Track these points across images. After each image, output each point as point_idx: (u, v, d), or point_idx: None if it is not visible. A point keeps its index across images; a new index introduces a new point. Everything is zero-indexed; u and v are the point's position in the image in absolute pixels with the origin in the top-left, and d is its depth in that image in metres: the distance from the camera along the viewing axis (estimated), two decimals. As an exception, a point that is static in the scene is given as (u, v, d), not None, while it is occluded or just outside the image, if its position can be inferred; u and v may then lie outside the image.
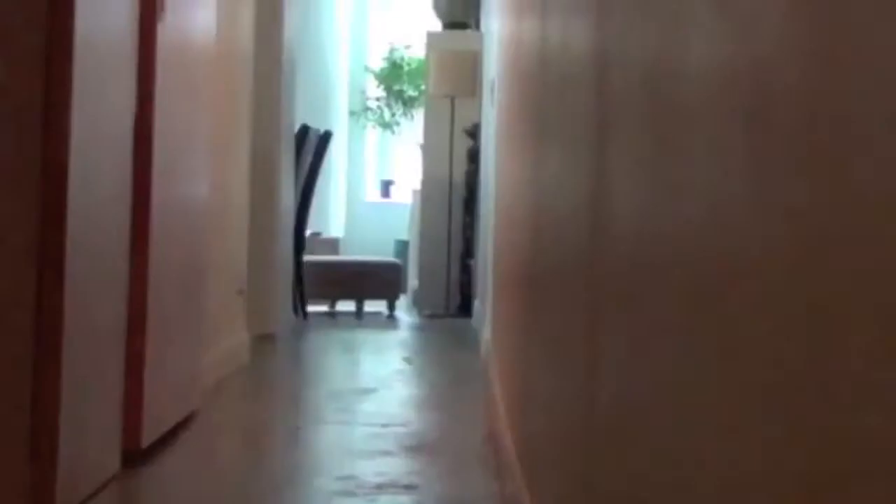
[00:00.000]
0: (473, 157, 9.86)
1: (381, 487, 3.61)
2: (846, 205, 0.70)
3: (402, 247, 13.15)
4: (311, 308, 9.68)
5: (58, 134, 3.06)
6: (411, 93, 14.32)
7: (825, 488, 0.73)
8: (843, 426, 0.70)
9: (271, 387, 6.14)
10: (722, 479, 0.98)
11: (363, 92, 14.63)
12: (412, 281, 11.13)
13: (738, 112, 0.96)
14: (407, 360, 6.80)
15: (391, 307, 10.15)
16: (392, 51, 14.58)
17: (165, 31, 3.95)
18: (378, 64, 14.64)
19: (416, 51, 13.87)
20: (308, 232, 10.03)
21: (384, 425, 4.88)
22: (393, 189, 14.73)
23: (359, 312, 9.95)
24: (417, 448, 4.34)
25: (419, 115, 12.86)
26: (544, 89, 2.89)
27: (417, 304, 10.26)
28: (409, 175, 14.04)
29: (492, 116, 7.25)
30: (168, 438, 4.23)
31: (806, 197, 0.77)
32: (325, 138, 9.54)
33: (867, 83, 0.67)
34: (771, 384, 0.84)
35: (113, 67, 3.44)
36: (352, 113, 14.50)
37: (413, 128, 13.96)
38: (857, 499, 0.67)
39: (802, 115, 0.79)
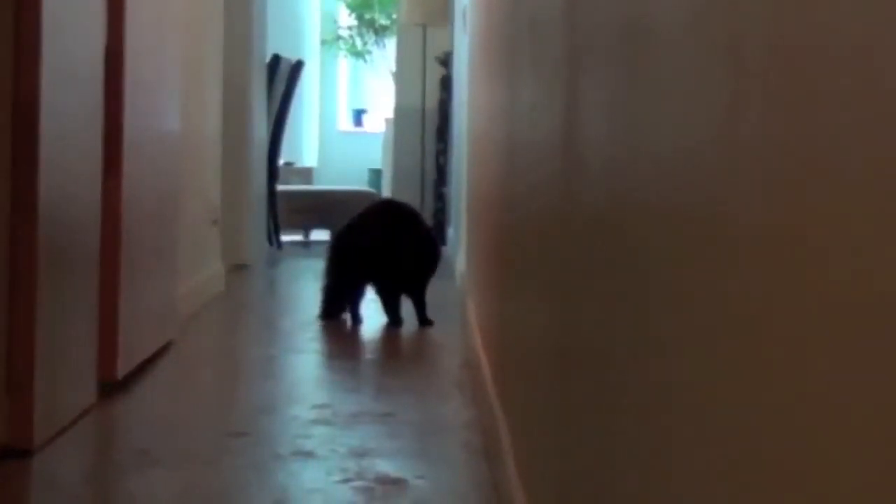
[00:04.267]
0: (446, 85, 9.82)
1: (356, 416, 3.63)
2: (821, 135, 0.70)
3: (375, 176, 13.14)
4: (285, 238, 9.66)
5: (28, 71, 3.04)
6: (383, 21, 14.22)
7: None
8: (839, 353, 0.71)
9: (247, 317, 6.14)
10: (693, 398, 0.99)
11: (335, 21, 14.52)
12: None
13: (713, 42, 0.96)
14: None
15: (365, 236, 10.10)
16: (363, -22, 14.47)
17: (134, -39, 3.91)
18: (349, -8, 14.54)
19: (388, -22, 13.76)
20: (281, 162, 9.99)
21: (360, 353, 4.89)
22: (365, 118, 14.68)
23: (333, 242, 9.93)
24: (393, 376, 4.36)
25: (391, 43, 12.78)
26: (517, 17, 2.88)
27: (391, 232, 10.23)
28: (381, 104, 13.98)
29: (464, 44, 7.22)
30: (144, 369, 4.24)
31: (780, 128, 0.78)
32: (297, 68, 9.48)
33: (840, 14, 0.67)
34: (743, 309, 0.85)
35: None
36: (323, 42, 14.40)
37: (385, 56, 13.88)
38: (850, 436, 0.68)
39: (778, 47, 0.79)
